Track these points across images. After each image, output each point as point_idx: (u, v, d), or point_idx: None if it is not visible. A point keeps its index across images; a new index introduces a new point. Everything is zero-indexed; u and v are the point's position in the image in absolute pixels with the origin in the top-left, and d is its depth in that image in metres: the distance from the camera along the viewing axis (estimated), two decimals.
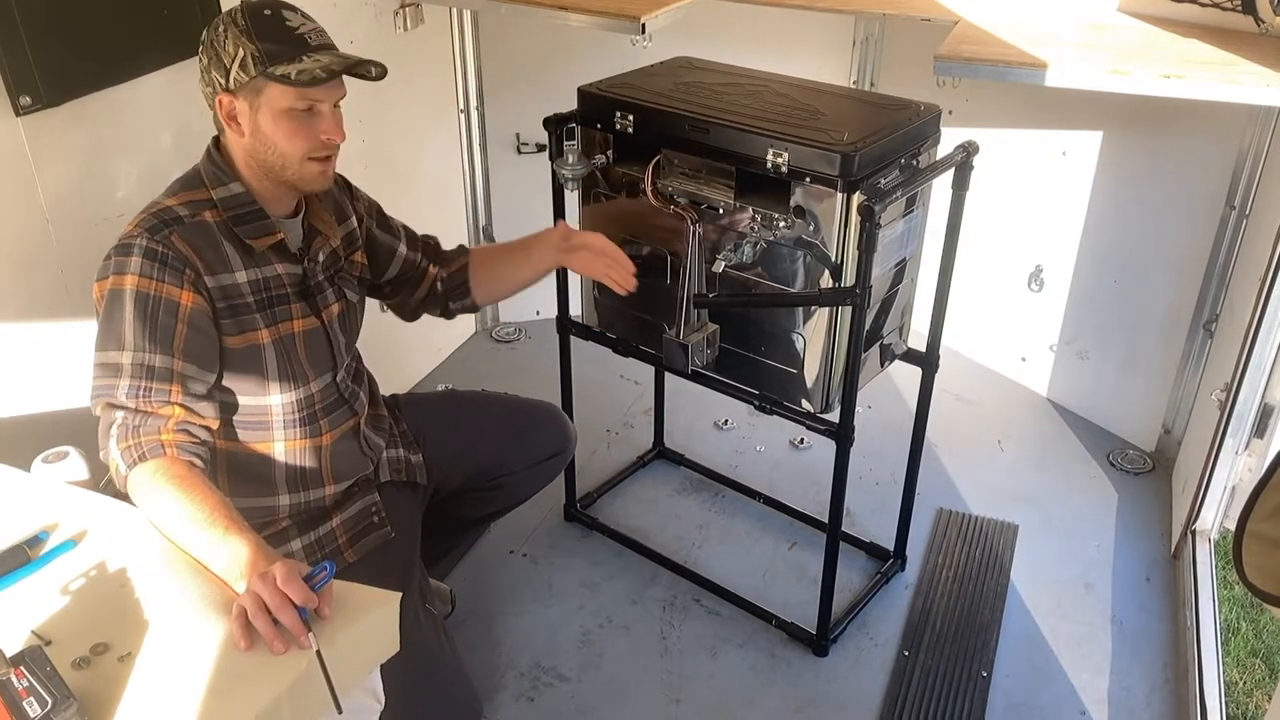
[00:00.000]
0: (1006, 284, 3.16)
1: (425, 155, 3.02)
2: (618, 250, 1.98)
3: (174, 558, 1.38)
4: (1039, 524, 2.69)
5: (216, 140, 1.66)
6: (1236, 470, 2.42)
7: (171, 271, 1.53)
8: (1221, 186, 2.58)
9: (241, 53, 1.53)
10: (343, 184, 1.88)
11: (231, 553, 1.33)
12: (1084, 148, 2.83)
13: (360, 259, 1.89)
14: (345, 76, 1.59)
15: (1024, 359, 3.24)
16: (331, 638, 1.23)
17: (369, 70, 1.59)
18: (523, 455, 2.13)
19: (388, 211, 2.00)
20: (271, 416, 1.70)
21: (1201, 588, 2.37)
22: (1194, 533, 2.50)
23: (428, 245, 2.03)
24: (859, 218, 1.77)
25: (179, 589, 1.32)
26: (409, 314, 2.09)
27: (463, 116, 3.17)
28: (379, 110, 2.65)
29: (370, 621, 1.28)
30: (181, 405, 1.53)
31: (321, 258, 1.76)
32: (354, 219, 1.88)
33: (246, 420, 1.69)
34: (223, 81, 1.55)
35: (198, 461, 1.51)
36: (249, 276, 1.62)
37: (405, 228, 2.01)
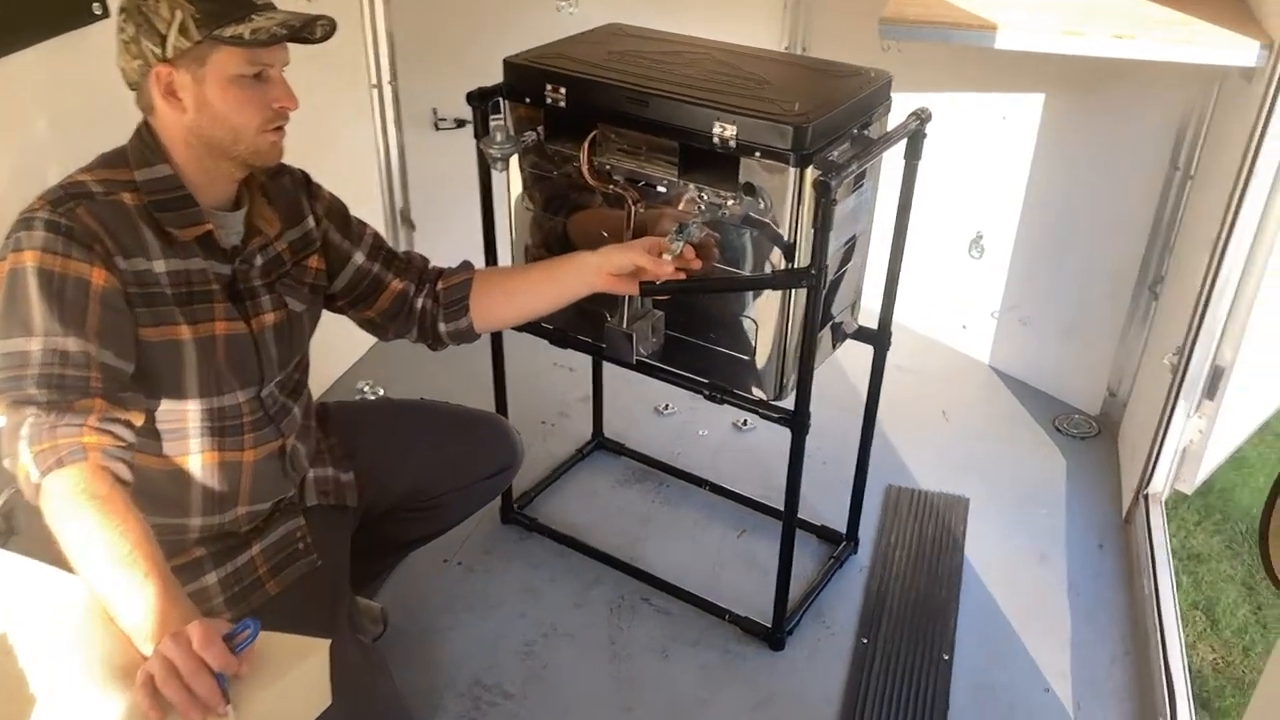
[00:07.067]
0: (947, 251, 3.10)
1: (335, 135, 2.83)
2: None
3: (65, 618, 1.21)
4: (989, 495, 2.64)
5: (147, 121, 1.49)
6: (1187, 433, 2.39)
7: (79, 246, 1.37)
8: (1165, 147, 2.54)
9: (180, 15, 1.37)
10: (301, 180, 1.71)
11: (146, 606, 1.19)
12: (1025, 111, 2.77)
13: (316, 264, 1.71)
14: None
15: (965, 327, 3.19)
16: (254, 697, 1.09)
17: (314, 31, 1.45)
18: (465, 473, 1.97)
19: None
20: (188, 423, 1.54)
21: (1158, 553, 2.35)
22: (1146, 497, 2.48)
23: (395, 258, 1.83)
24: (813, 194, 1.66)
25: (72, 655, 1.16)
26: (379, 332, 1.87)
27: (375, 92, 2.98)
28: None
29: (297, 675, 1.14)
30: (102, 397, 1.37)
31: (259, 260, 1.58)
32: (311, 219, 1.70)
33: (161, 428, 1.52)
34: (158, 51, 1.39)
35: (124, 471, 1.36)
36: (169, 267, 1.46)
37: (375, 236, 1.82)
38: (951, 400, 3.03)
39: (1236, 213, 2.08)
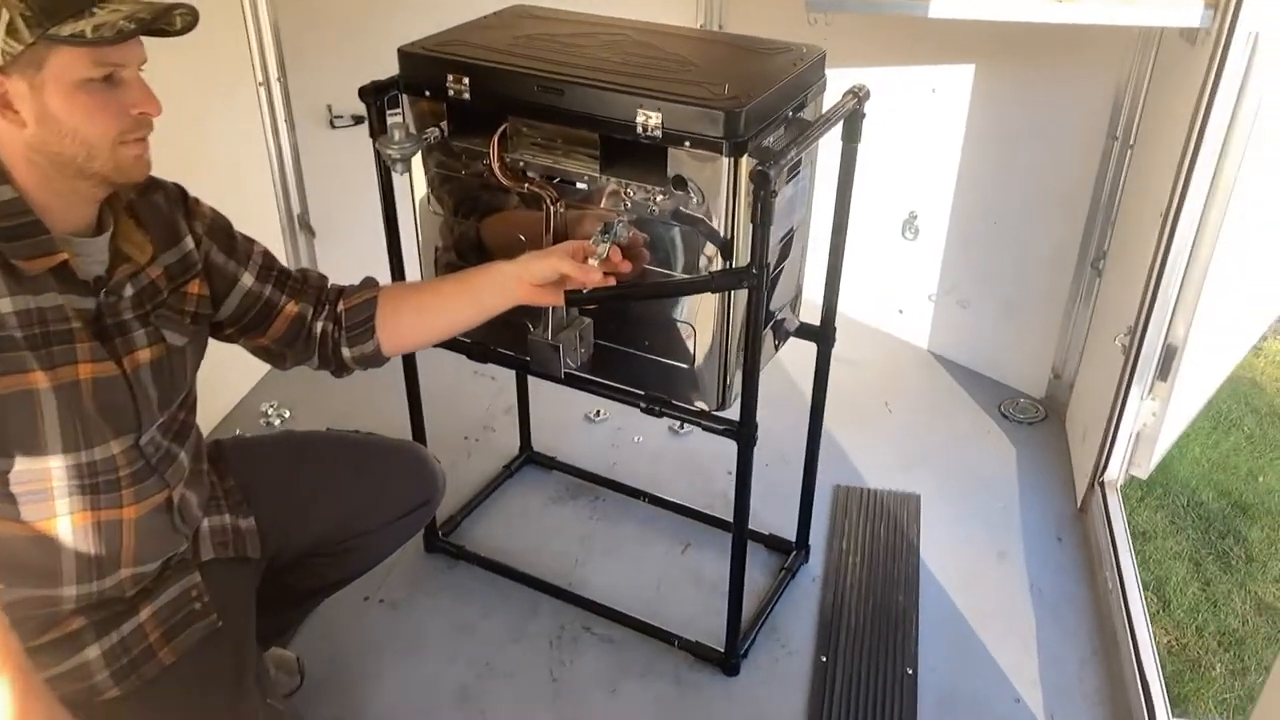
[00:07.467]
0: (880, 234, 3.00)
1: (217, 140, 2.60)
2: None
3: None
4: (940, 490, 2.55)
5: None
6: (1141, 416, 2.30)
7: None
8: (1102, 117, 2.46)
9: (6, 14, 1.21)
10: (177, 196, 1.52)
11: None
12: (955, 83, 2.67)
13: (197, 289, 1.52)
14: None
15: (901, 311, 3.09)
16: None
17: (172, 22, 1.29)
18: (379, 512, 1.79)
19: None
20: (51, 482, 1.35)
21: (1119, 543, 2.28)
22: (1102, 484, 2.40)
23: (288, 277, 1.65)
24: (751, 185, 1.50)
25: None
26: (276, 360, 1.70)
27: (262, 90, 2.75)
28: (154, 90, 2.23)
29: None
30: None
31: (129, 290, 1.40)
32: (190, 239, 1.51)
33: (17, 490, 1.33)
34: None
35: None
36: (16, 305, 1.28)
37: (264, 255, 1.63)
38: (893, 390, 2.92)
39: (1186, 183, 1.99)
